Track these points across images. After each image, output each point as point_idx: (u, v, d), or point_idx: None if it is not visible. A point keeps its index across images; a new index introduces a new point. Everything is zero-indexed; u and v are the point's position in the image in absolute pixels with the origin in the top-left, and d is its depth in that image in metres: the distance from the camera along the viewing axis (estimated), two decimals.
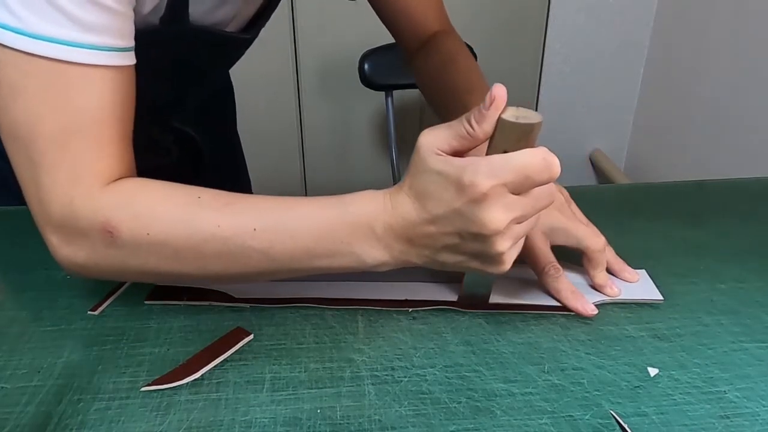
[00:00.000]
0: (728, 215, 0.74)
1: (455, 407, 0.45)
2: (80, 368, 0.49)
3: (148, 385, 0.47)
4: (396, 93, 1.80)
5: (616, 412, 0.44)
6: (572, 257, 0.61)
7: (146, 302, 0.57)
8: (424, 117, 1.99)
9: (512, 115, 0.42)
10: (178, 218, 0.46)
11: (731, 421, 0.44)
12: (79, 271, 0.50)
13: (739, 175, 0.87)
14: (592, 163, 2.17)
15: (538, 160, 0.42)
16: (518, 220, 0.44)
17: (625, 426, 0.43)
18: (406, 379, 0.48)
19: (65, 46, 0.44)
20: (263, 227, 0.46)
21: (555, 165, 0.42)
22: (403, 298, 0.56)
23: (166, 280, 0.49)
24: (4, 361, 0.50)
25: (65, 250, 0.49)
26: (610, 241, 0.58)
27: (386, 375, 0.48)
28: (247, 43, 0.69)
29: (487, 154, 0.43)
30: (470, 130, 0.43)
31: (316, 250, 0.46)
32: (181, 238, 0.46)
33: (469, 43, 1.67)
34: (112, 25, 0.46)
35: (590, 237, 0.55)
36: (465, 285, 0.55)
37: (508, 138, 0.43)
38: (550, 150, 0.42)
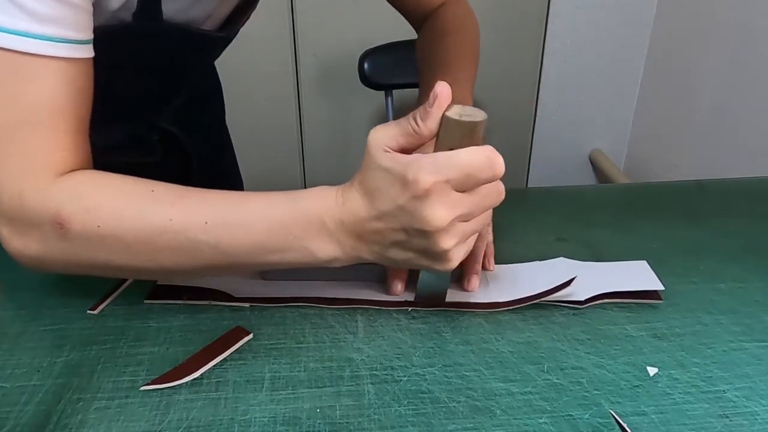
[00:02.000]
0: (728, 215, 0.74)
1: (455, 406, 0.45)
2: (80, 367, 0.49)
3: (148, 384, 0.47)
4: (396, 92, 1.80)
5: (615, 412, 0.44)
6: (574, 255, 0.61)
7: (146, 301, 0.57)
8: None
9: (456, 113, 0.43)
10: (130, 211, 0.46)
11: (731, 421, 0.44)
12: (31, 263, 0.50)
13: (739, 175, 0.87)
14: (592, 163, 2.17)
15: (481, 157, 0.42)
16: (464, 218, 0.44)
17: (625, 425, 0.43)
18: (405, 379, 0.48)
19: (19, 37, 0.44)
20: (215, 221, 0.46)
21: (498, 163, 0.42)
22: (403, 299, 0.56)
23: (120, 274, 0.49)
24: (3, 360, 0.50)
25: (16, 242, 0.48)
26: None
27: (386, 374, 0.48)
28: (224, 42, 0.69)
29: (434, 152, 0.44)
30: (416, 127, 0.43)
31: (268, 244, 0.46)
32: (132, 232, 0.46)
33: None
34: (68, 17, 0.45)
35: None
36: (420, 283, 0.55)
37: (452, 136, 0.43)
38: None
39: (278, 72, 1.87)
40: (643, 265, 0.61)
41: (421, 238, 0.44)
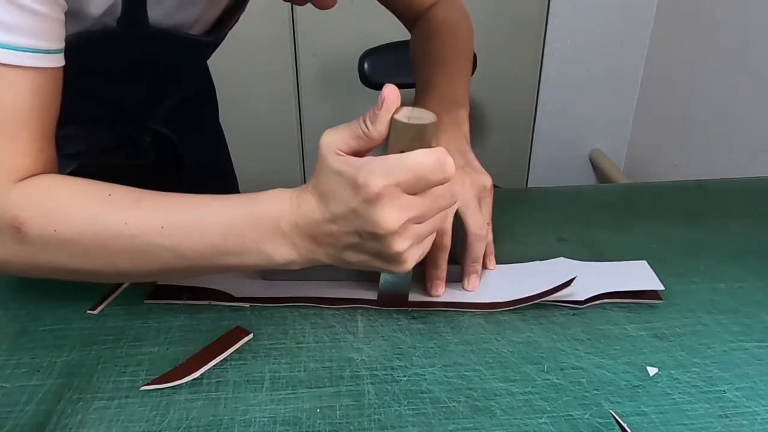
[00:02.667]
0: (728, 215, 0.74)
1: (454, 406, 0.45)
2: (80, 367, 0.49)
3: (148, 384, 0.47)
4: None
5: (615, 412, 0.44)
6: (574, 255, 0.61)
7: (146, 302, 0.57)
8: None
9: (405, 115, 0.43)
10: (87, 215, 0.46)
11: (730, 421, 0.44)
12: None
13: (739, 175, 0.87)
14: (592, 163, 2.17)
15: (431, 160, 0.42)
16: (416, 220, 0.44)
17: (625, 425, 0.43)
18: (405, 379, 0.48)
19: None
20: (171, 225, 0.46)
21: (449, 165, 0.42)
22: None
23: (79, 277, 0.49)
24: (3, 360, 0.50)
25: None
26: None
27: (386, 374, 0.48)
28: (212, 45, 0.69)
29: (386, 155, 0.44)
30: (366, 130, 0.43)
31: (224, 247, 0.46)
32: (89, 235, 0.46)
33: None
34: (37, 27, 0.45)
35: (477, 220, 0.56)
36: (381, 283, 0.55)
37: (402, 138, 0.43)
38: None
39: (278, 72, 1.87)
40: (643, 265, 0.61)
41: (373, 240, 0.44)
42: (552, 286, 0.56)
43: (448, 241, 0.55)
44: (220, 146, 0.97)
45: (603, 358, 0.50)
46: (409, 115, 0.43)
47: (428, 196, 0.43)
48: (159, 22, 0.57)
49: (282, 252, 0.46)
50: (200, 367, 0.49)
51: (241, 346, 0.51)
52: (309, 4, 0.59)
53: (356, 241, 0.44)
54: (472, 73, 0.76)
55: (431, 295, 0.57)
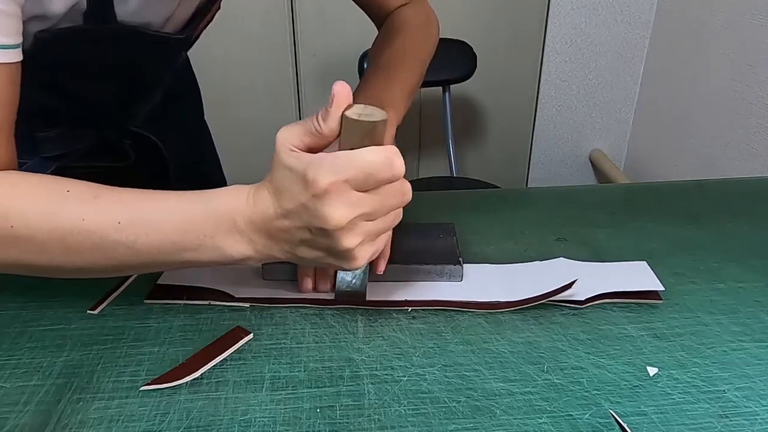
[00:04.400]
0: (728, 215, 0.74)
1: (455, 406, 0.45)
2: (80, 367, 0.49)
3: (148, 384, 0.47)
4: None
5: (615, 412, 0.44)
6: (574, 255, 0.61)
7: (146, 301, 0.57)
8: (424, 116, 1.99)
9: (356, 113, 0.43)
10: (43, 211, 0.46)
11: (730, 421, 0.44)
12: None
13: (739, 175, 0.87)
14: (592, 163, 2.17)
15: (380, 157, 0.42)
16: (366, 217, 0.44)
17: (625, 425, 0.43)
18: (405, 379, 0.48)
19: None
20: (128, 221, 0.46)
21: (398, 163, 0.43)
22: (403, 299, 0.56)
23: (39, 273, 0.49)
24: (3, 360, 0.50)
25: None
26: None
27: (386, 374, 0.48)
28: (184, 44, 0.68)
29: (338, 152, 0.44)
30: (318, 127, 0.44)
31: (181, 243, 0.46)
32: (45, 232, 0.46)
33: (469, 43, 1.68)
34: None
35: None
36: (337, 281, 0.56)
37: (353, 136, 0.43)
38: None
39: (278, 72, 1.87)
40: (643, 265, 0.61)
41: (323, 236, 0.44)
42: (553, 288, 0.56)
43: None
44: (205, 146, 0.96)
45: (603, 358, 0.50)
46: (360, 112, 0.43)
47: (379, 194, 0.44)
48: (127, 20, 0.57)
49: (238, 248, 0.46)
50: (200, 367, 0.49)
51: (241, 346, 0.51)
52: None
53: (308, 237, 0.45)
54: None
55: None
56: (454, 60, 1.68)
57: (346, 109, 0.43)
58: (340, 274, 0.55)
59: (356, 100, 0.65)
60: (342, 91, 0.43)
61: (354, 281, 0.56)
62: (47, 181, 0.48)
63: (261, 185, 0.46)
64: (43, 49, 0.54)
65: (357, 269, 0.47)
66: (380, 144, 0.43)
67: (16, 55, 0.48)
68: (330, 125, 0.43)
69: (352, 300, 0.56)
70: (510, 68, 1.98)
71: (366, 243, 0.45)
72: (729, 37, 1.60)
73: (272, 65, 1.86)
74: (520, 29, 1.94)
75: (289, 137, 0.44)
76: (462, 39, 1.68)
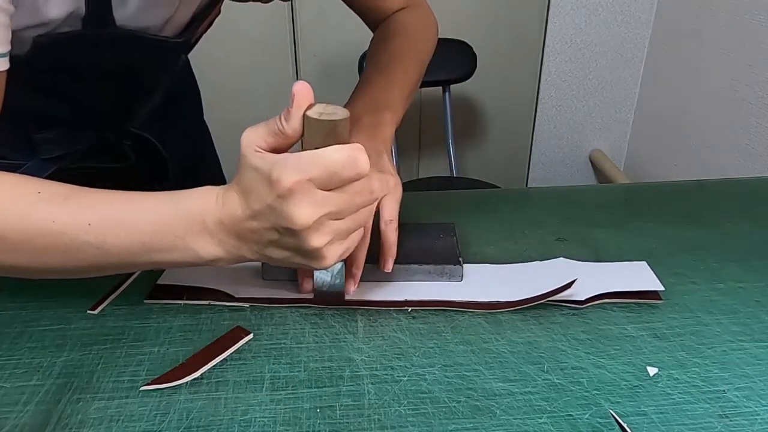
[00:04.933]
0: (728, 215, 0.74)
1: (455, 406, 0.45)
2: (80, 367, 0.49)
3: (148, 384, 0.47)
4: None
5: (615, 412, 0.44)
6: (574, 255, 0.61)
7: (146, 301, 0.57)
8: (424, 116, 1.99)
9: (317, 112, 0.43)
10: (14, 212, 0.46)
11: (730, 421, 0.44)
12: None
13: (739, 175, 0.87)
14: (592, 163, 2.17)
15: (343, 156, 0.42)
16: (333, 216, 0.44)
17: (625, 425, 0.43)
18: (405, 379, 0.48)
19: None
20: (98, 222, 0.46)
21: (362, 161, 0.43)
22: (403, 299, 0.56)
23: (10, 273, 0.49)
24: (3, 360, 0.50)
25: None
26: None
27: (386, 374, 0.48)
28: (183, 47, 0.68)
29: (301, 151, 0.44)
30: (281, 127, 0.44)
31: (151, 244, 0.46)
32: (15, 232, 0.46)
33: (469, 43, 1.68)
34: None
35: (385, 209, 0.56)
36: (315, 281, 0.56)
37: (315, 135, 0.43)
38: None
39: (278, 72, 1.87)
40: (643, 265, 0.61)
41: (290, 236, 0.44)
42: (553, 288, 0.56)
43: (366, 238, 0.55)
44: (205, 147, 0.96)
45: (603, 358, 0.50)
46: (322, 111, 0.43)
47: (345, 193, 0.44)
48: (126, 24, 0.57)
49: (208, 249, 0.46)
50: (200, 367, 0.49)
51: (241, 346, 0.51)
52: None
53: (276, 238, 0.45)
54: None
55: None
56: (454, 60, 1.68)
57: (307, 108, 0.43)
58: (318, 275, 0.55)
59: (354, 102, 0.66)
60: (302, 90, 0.43)
61: (333, 281, 0.55)
62: (19, 181, 0.48)
63: (230, 186, 0.46)
64: (42, 53, 0.54)
65: (326, 268, 0.47)
66: (344, 142, 0.43)
67: (4, 63, 0.48)
68: (292, 125, 0.43)
69: (332, 300, 0.56)
70: (510, 68, 1.98)
71: (335, 242, 0.45)
72: (729, 37, 1.60)
73: (272, 65, 1.86)
74: (520, 29, 1.94)
75: (254, 138, 0.44)
76: (462, 39, 1.68)
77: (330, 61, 1.86)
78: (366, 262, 0.56)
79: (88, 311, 0.56)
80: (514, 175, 2.14)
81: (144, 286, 0.58)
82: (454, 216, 0.71)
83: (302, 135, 0.44)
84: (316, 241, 0.44)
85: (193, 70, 0.90)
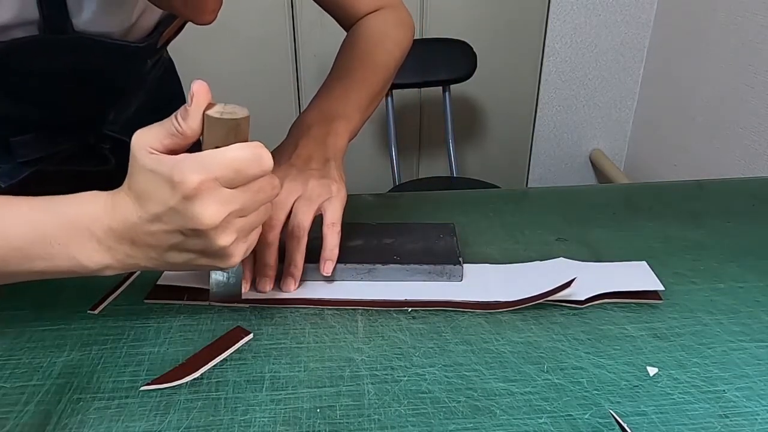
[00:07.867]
0: (728, 215, 0.74)
1: (455, 406, 0.45)
2: (80, 367, 0.49)
3: (148, 384, 0.47)
4: (396, 93, 1.80)
5: (615, 412, 0.44)
6: (574, 255, 0.60)
7: (146, 301, 0.57)
8: (424, 116, 1.99)
9: (218, 111, 0.43)
10: None
11: (730, 421, 0.44)
12: None
13: (739, 175, 0.87)
14: (592, 163, 2.17)
15: (248, 153, 0.42)
16: (239, 214, 0.44)
17: (625, 425, 0.43)
18: (405, 379, 0.48)
19: None
20: None
21: (265, 158, 0.43)
22: (403, 299, 0.56)
23: None
24: (3, 360, 0.50)
25: None
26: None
27: (386, 374, 0.48)
28: (147, 51, 0.67)
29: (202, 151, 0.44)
30: (178, 127, 0.43)
31: (29, 252, 0.44)
32: None
33: (469, 43, 1.68)
34: None
35: (328, 212, 0.56)
36: (211, 283, 0.55)
37: (216, 134, 0.43)
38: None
39: (278, 72, 1.87)
40: (643, 265, 0.61)
41: (197, 237, 0.43)
42: (552, 287, 0.56)
43: (274, 237, 0.55)
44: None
45: (603, 358, 0.50)
46: (222, 110, 0.43)
47: (249, 190, 0.43)
48: (87, 30, 0.56)
49: (95, 258, 0.44)
50: (200, 368, 0.49)
51: (241, 346, 0.51)
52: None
53: (179, 240, 0.44)
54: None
55: (257, 291, 0.57)
56: (454, 60, 1.68)
57: (206, 108, 0.43)
58: (213, 276, 0.55)
59: (310, 110, 0.66)
60: (201, 89, 0.42)
61: (229, 280, 0.55)
62: None
63: (118, 191, 0.44)
64: (4, 58, 0.53)
65: (233, 267, 0.46)
66: (245, 141, 0.43)
67: None
68: (191, 125, 0.43)
69: (229, 299, 0.56)
70: (510, 68, 1.98)
71: (240, 240, 0.45)
72: (729, 37, 1.60)
73: (272, 66, 1.86)
74: (520, 29, 1.94)
75: (147, 139, 0.43)
76: (462, 39, 1.68)
77: (330, 61, 1.85)
78: (314, 262, 0.56)
79: (88, 311, 0.56)
80: (514, 175, 2.14)
81: (144, 286, 0.58)
82: (454, 216, 0.71)
83: (201, 135, 0.43)
84: (223, 240, 0.43)
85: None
